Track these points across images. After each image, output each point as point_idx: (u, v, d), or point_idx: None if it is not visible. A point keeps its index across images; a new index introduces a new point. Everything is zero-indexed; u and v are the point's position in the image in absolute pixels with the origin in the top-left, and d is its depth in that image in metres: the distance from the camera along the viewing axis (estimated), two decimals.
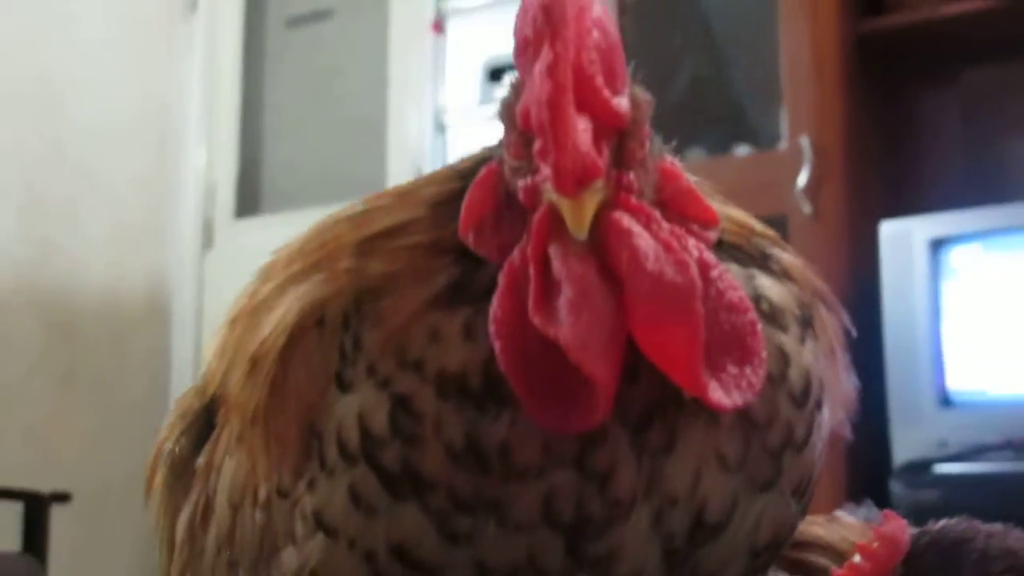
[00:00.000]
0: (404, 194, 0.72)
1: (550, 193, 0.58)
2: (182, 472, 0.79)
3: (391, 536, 0.63)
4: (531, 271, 0.61)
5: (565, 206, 0.58)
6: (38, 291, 3.86)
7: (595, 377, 0.58)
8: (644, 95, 0.64)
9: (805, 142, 2.71)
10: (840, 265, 2.67)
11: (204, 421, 0.77)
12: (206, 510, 0.76)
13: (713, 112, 3.26)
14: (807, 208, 2.69)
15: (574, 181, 0.57)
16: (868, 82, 2.95)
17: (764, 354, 0.62)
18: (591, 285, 0.59)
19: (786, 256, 0.72)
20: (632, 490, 0.62)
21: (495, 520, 0.62)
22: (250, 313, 0.73)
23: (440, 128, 3.88)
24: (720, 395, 0.60)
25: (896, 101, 3.09)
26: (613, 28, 0.63)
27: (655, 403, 0.63)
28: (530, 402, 0.60)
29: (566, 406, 0.60)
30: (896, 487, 2.43)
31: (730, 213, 0.72)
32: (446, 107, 3.88)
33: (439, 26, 3.89)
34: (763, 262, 0.70)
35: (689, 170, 0.67)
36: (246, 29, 4.43)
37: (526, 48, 0.61)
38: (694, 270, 0.60)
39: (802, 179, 2.71)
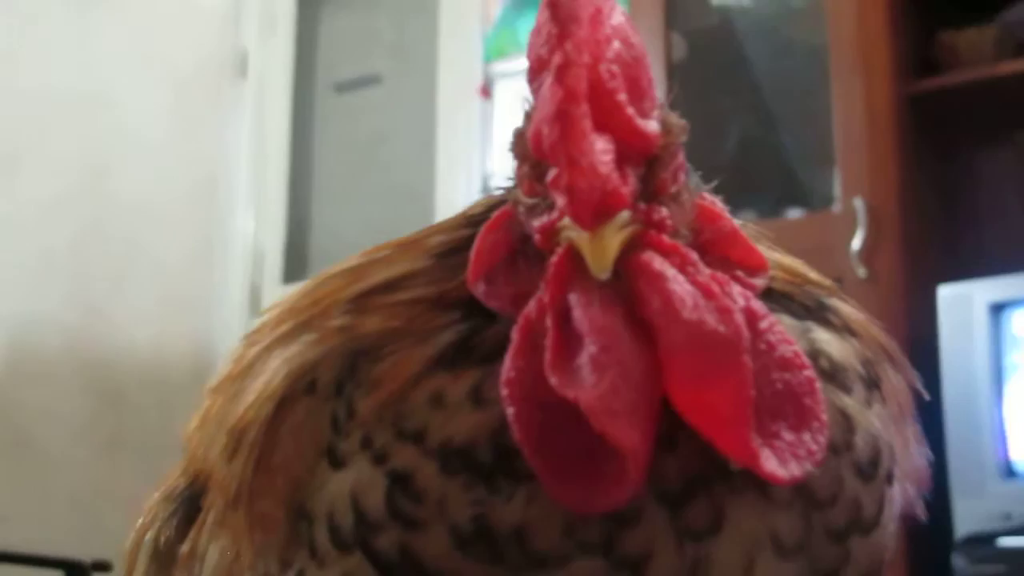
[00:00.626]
0: (407, 244, 0.65)
1: (568, 230, 0.51)
2: (167, 562, 0.69)
3: None
4: (548, 323, 0.53)
5: (584, 241, 0.51)
6: (85, 358, 3.85)
7: (624, 446, 0.50)
8: (677, 119, 0.57)
9: (859, 204, 2.64)
10: (897, 330, 2.57)
11: (190, 503, 0.68)
12: None
13: (764, 174, 3.21)
14: (862, 272, 2.62)
15: (593, 210, 0.50)
16: (923, 143, 2.89)
17: (825, 418, 0.54)
18: (618, 338, 0.51)
19: (847, 308, 0.64)
20: None
21: None
22: (233, 380, 0.65)
23: (488, 193, 3.84)
24: (774, 465, 0.52)
25: (952, 162, 3.03)
26: (638, 40, 0.55)
27: (697, 476, 0.54)
28: (549, 477, 0.52)
29: (591, 481, 0.52)
30: (959, 561, 2.35)
31: (780, 259, 0.64)
32: (494, 172, 3.85)
33: (487, 91, 3.88)
34: (820, 314, 0.62)
35: None
36: (295, 94, 4.45)
37: (539, 70, 0.54)
38: (739, 318, 0.51)
39: (856, 242, 2.64)
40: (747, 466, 0.52)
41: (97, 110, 3.97)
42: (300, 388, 0.60)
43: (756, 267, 0.59)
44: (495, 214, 0.61)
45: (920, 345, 2.58)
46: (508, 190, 0.60)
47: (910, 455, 0.64)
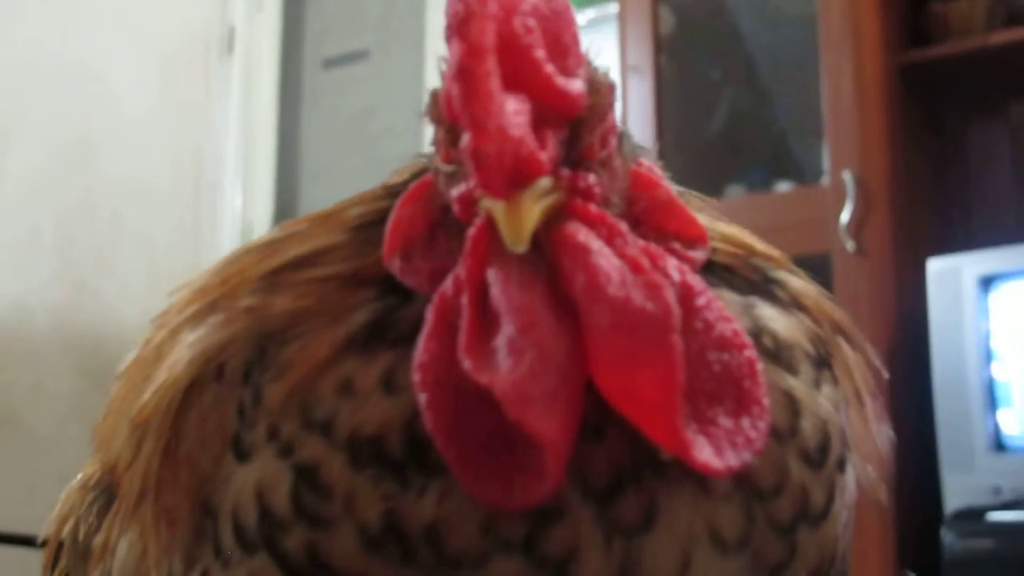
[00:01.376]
0: (324, 217, 0.60)
1: (485, 199, 0.46)
2: (85, 555, 0.65)
3: None
4: (464, 302, 0.48)
5: (499, 212, 0.46)
6: (73, 336, 3.82)
7: (541, 436, 0.45)
8: (605, 78, 0.52)
9: (848, 177, 2.62)
10: (886, 304, 2.57)
11: (108, 492, 0.63)
12: None
13: (753, 147, 3.19)
14: (851, 245, 2.60)
15: (505, 176, 0.45)
16: (913, 115, 2.86)
17: (767, 401, 0.49)
18: (537, 317, 0.46)
19: (796, 281, 0.60)
20: None
21: None
22: (139, 365, 0.61)
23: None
24: (708, 455, 0.47)
25: (943, 134, 3.01)
26: None
27: (627, 467, 0.50)
28: (463, 471, 0.48)
29: (509, 476, 0.47)
30: (948, 536, 2.33)
31: (723, 230, 0.60)
32: None
33: None
34: (766, 289, 0.58)
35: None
36: (282, 69, 4.42)
37: (455, 26, 0.48)
38: (670, 295, 0.47)
39: (845, 215, 2.61)
40: (677, 456, 0.47)
41: (84, 85, 3.93)
42: (208, 374, 0.56)
43: (695, 238, 0.56)
44: (414, 184, 0.56)
45: (910, 318, 2.57)
46: (429, 156, 0.56)
47: (869, 436, 0.61)
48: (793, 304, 0.58)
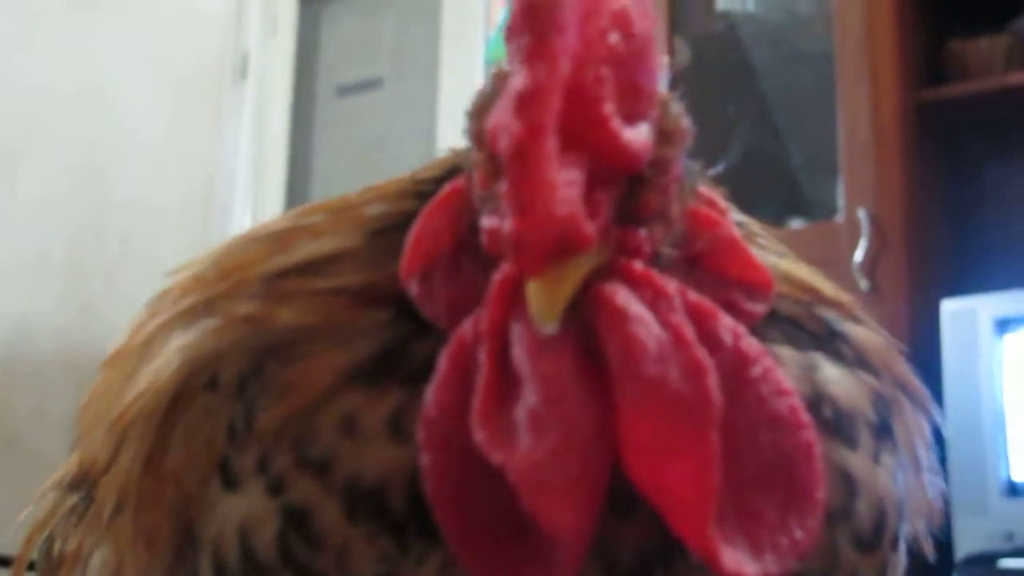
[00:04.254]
0: (342, 210, 0.54)
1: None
2: (57, 563, 0.59)
3: None
4: (483, 356, 0.43)
5: (531, 285, 0.41)
6: (78, 358, 3.79)
7: (558, 529, 0.40)
8: (680, 122, 0.46)
9: (863, 215, 2.59)
10: (900, 343, 2.53)
11: (86, 494, 0.57)
12: None
13: (767, 183, 3.16)
14: (864, 284, 2.56)
15: (542, 256, 0.40)
16: (930, 153, 2.82)
17: (821, 494, 0.44)
18: (565, 389, 0.41)
19: (862, 333, 0.54)
20: None
21: None
22: (127, 356, 0.55)
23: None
24: (741, 560, 0.41)
25: (960, 173, 2.97)
26: (644, 27, 0.44)
27: (656, 550, 0.45)
28: (464, 551, 0.43)
29: (515, 562, 0.42)
30: None
31: (789, 271, 0.54)
32: None
33: None
34: (830, 344, 0.52)
35: None
36: (295, 97, 4.40)
37: (516, 31, 0.42)
38: (712, 379, 0.42)
39: (859, 253, 2.58)
40: (704, 560, 0.42)
41: (95, 110, 3.92)
42: (198, 383, 0.50)
43: (757, 286, 0.50)
44: (445, 188, 0.50)
45: (923, 359, 2.53)
46: (466, 155, 0.50)
47: (923, 492, 0.56)
48: (857, 361, 0.53)
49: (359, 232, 0.52)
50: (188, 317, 0.53)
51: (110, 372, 0.56)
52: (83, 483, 0.57)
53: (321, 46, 4.48)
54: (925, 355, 2.51)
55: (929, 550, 0.57)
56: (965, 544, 2.38)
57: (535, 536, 0.42)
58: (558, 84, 0.41)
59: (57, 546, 0.59)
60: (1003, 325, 2.46)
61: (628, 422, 0.41)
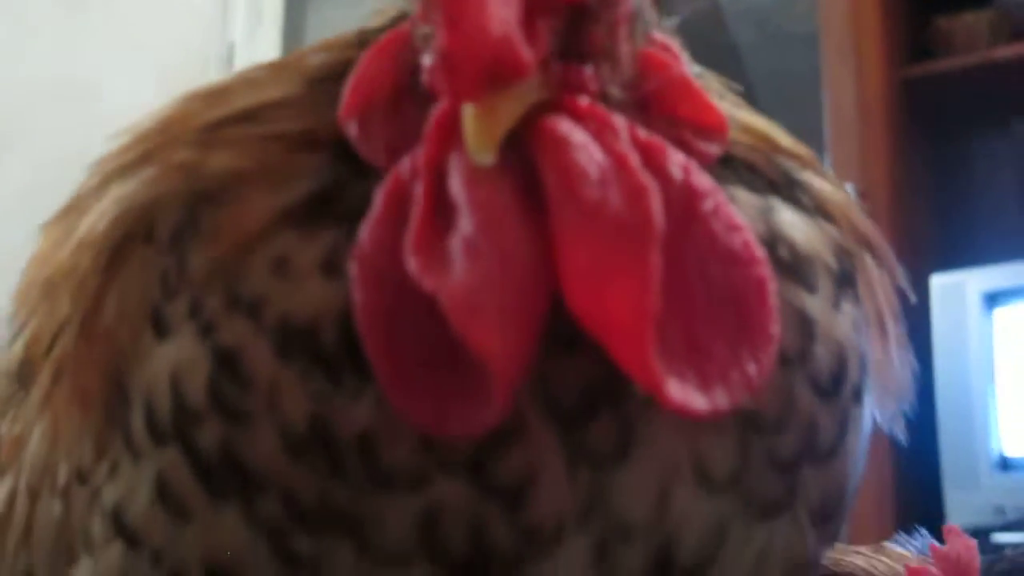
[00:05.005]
0: (285, 65, 0.52)
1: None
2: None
3: (208, 551, 0.44)
4: (419, 190, 0.41)
5: (467, 115, 0.39)
6: None
7: (489, 355, 0.38)
8: None
9: (849, 189, 2.57)
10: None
11: (26, 373, 0.54)
12: (14, 500, 0.54)
13: None
14: None
15: (475, 76, 0.38)
16: (916, 129, 2.82)
17: (775, 328, 0.42)
18: (501, 216, 0.40)
19: (823, 184, 0.52)
20: (559, 513, 0.43)
21: (351, 544, 0.43)
22: (64, 216, 0.53)
23: None
24: (687, 392, 0.40)
25: (946, 148, 2.96)
26: None
27: (602, 386, 0.43)
28: (392, 385, 0.41)
29: (447, 396, 0.41)
30: None
31: (746, 120, 0.52)
32: None
33: None
34: (788, 190, 0.50)
35: None
36: None
37: None
38: (655, 201, 0.40)
39: None
40: (649, 391, 0.40)
41: (82, 100, 3.89)
42: (134, 235, 0.48)
43: (711, 127, 0.47)
44: (386, 34, 0.48)
45: (912, 334, 2.52)
46: (411, 3, 0.47)
47: (890, 363, 0.54)
48: (817, 210, 0.50)
49: (300, 81, 0.50)
50: (126, 170, 0.51)
51: (49, 233, 0.55)
52: (27, 369, 0.54)
53: (307, 35, 4.45)
54: (914, 330, 2.49)
55: (902, 434, 0.55)
56: (957, 518, 2.37)
57: (468, 371, 0.40)
58: None
59: (2, 432, 0.57)
60: (992, 299, 2.46)
61: (565, 248, 0.40)
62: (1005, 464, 2.40)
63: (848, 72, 2.69)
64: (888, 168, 2.66)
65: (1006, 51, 2.69)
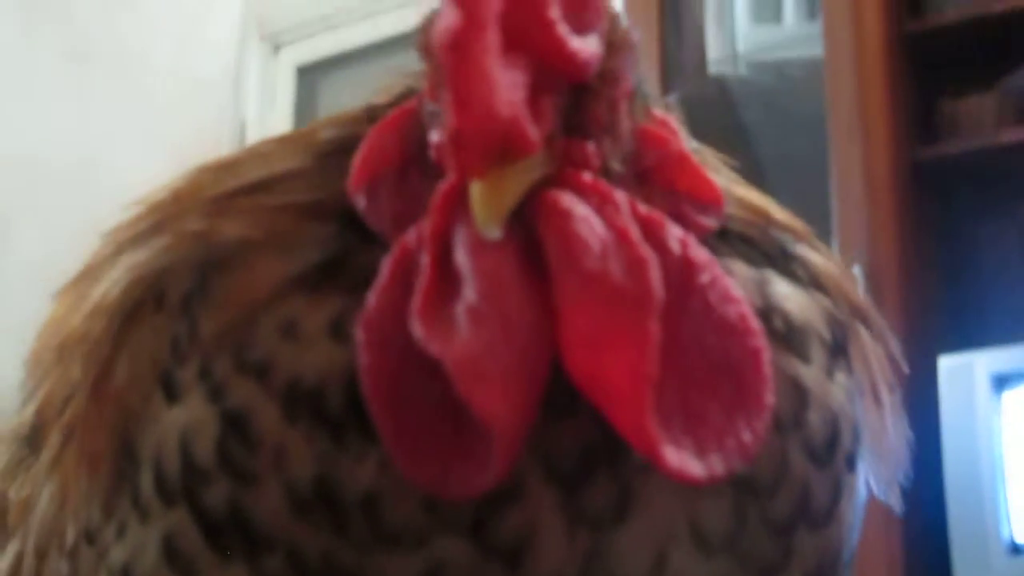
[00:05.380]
0: (295, 139, 0.54)
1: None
2: (3, 514, 0.58)
3: None
4: (425, 258, 0.43)
5: (475, 190, 0.41)
6: None
7: (491, 420, 0.40)
8: (626, 38, 0.47)
9: (858, 271, 2.58)
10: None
11: (37, 437, 0.56)
12: (21, 563, 0.55)
13: None
14: None
15: (483, 154, 0.40)
16: (924, 211, 2.83)
17: (769, 397, 0.44)
18: (504, 285, 0.41)
19: (816, 257, 0.54)
20: (558, 573, 0.44)
21: None
22: (77, 284, 0.55)
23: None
24: (684, 459, 0.41)
25: (954, 229, 2.97)
26: None
27: (600, 449, 0.44)
28: (397, 447, 0.43)
29: (449, 459, 0.42)
30: None
31: (742, 195, 0.53)
32: None
33: None
34: (783, 263, 0.52)
35: None
36: None
37: None
38: (655, 273, 0.42)
39: None
40: (648, 457, 0.42)
41: (93, 177, 3.92)
42: (146, 302, 0.50)
43: (708, 201, 0.49)
44: (394, 110, 0.50)
45: (921, 416, 2.51)
46: (417, 77, 0.50)
47: (885, 433, 0.55)
48: (812, 282, 0.52)
49: (309, 155, 0.52)
50: (139, 239, 0.52)
51: (62, 300, 0.56)
52: (38, 433, 0.56)
53: (319, 113, 4.49)
54: (923, 412, 2.49)
55: (897, 499, 0.55)
56: None
57: (470, 434, 0.41)
58: None
59: (11, 496, 0.58)
60: (1001, 381, 2.44)
61: (566, 315, 0.41)
62: (1016, 549, 2.37)
63: (856, 154, 2.70)
64: (896, 250, 2.66)
65: (1012, 134, 2.71)
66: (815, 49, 2.89)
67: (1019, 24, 2.74)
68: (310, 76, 4.47)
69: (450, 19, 0.41)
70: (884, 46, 2.77)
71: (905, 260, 2.68)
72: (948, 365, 2.50)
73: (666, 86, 3.02)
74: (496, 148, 0.40)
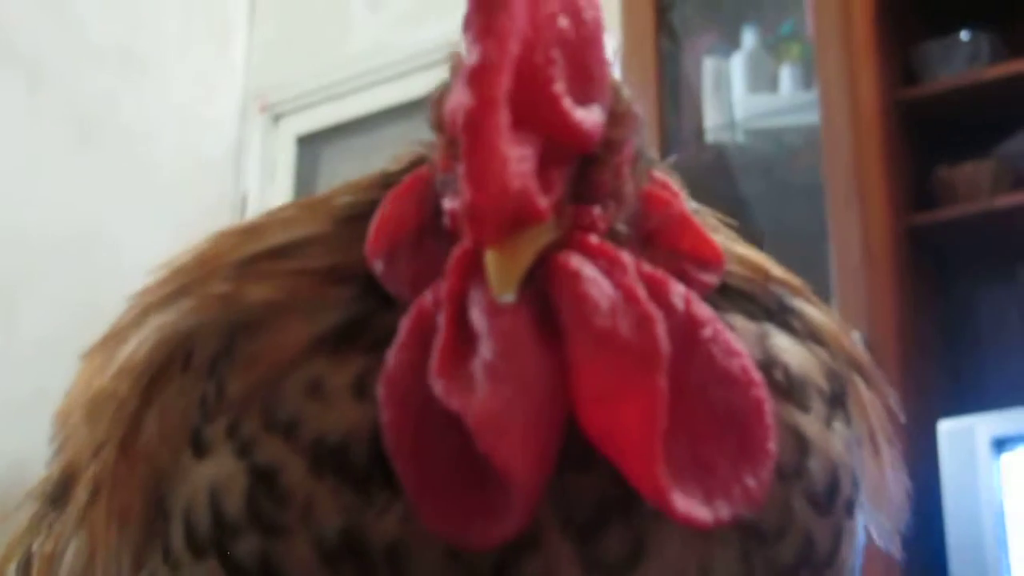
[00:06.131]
0: (313, 204, 0.56)
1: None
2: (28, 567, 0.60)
3: None
4: (443, 319, 0.45)
5: (489, 256, 0.43)
6: None
7: (512, 473, 0.42)
8: (630, 108, 0.49)
9: (857, 338, 2.58)
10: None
11: (61, 496, 0.57)
12: None
13: None
14: None
15: (497, 227, 0.42)
16: (922, 276, 2.84)
17: (772, 446, 0.46)
18: (520, 344, 0.44)
19: (813, 311, 0.56)
20: None
21: None
22: (104, 345, 0.57)
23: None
24: (692, 505, 0.43)
25: (952, 294, 2.98)
26: (593, 14, 0.47)
27: (614, 501, 0.46)
28: (420, 500, 0.45)
29: (470, 511, 0.44)
30: None
31: (740, 252, 0.56)
32: None
33: None
34: (782, 317, 0.54)
35: None
36: None
37: (469, 16, 0.44)
38: (661, 329, 0.44)
39: None
40: (657, 504, 0.44)
41: (95, 251, 3.94)
42: (174, 362, 0.52)
43: (709, 260, 0.52)
44: (408, 177, 0.53)
45: (923, 481, 2.51)
46: (429, 146, 0.52)
47: (884, 483, 0.57)
48: (809, 336, 0.55)
49: (328, 220, 0.54)
50: (165, 301, 0.55)
51: (90, 361, 0.58)
52: (62, 489, 0.57)
53: (319, 188, 4.51)
54: (924, 476, 2.49)
55: (898, 548, 0.57)
56: None
57: (491, 488, 0.43)
58: (508, 58, 0.43)
59: (35, 550, 0.59)
60: (1000, 444, 2.44)
61: (579, 372, 0.44)
62: None
63: (853, 220, 2.72)
64: (895, 315, 2.67)
65: (1008, 200, 2.73)
66: (811, 117, 2.91)
67: (1014, 91, 2.77)
68: (311, 146, 4.50)
69: (463, 99, 0.43)
70: (880, 114, 2.80)
71: (904, 325, 2.69)
72: (948, 429, 2.51)
73: (664, 154, 3.05)
74: (508, 220, 0.42)
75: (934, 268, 2.93)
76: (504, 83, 0.43)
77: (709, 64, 3.23)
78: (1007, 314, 2.95)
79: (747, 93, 3.16)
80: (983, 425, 2.48)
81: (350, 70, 4.22)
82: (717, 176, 3.27)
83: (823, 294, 2.55)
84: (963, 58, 2.85)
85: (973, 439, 2.46)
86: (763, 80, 3.18)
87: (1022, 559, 2.40)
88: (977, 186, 2.79)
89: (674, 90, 3.27)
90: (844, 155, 2.77)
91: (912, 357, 2.70)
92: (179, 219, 4.22)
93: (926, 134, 2.91)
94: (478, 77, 0.43)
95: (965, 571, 2.39)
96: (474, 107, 0.43)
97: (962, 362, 2.94)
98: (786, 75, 3.14)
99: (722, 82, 3.21)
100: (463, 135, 0.43)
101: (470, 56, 0.43)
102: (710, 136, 3.24)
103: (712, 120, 3.21)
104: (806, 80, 3.08)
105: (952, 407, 2.64)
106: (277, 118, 4.47)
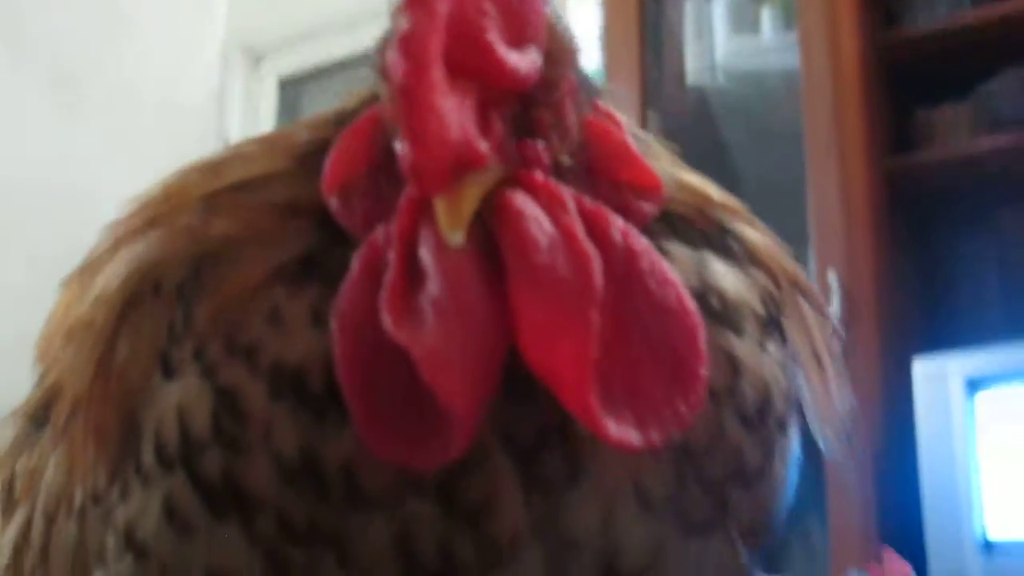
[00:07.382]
0: (274, 140, 0.59)
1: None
2: (12, 485, 0.64)
3: (210, 564, 0.51)
4: (392, 256, 0.47)
5: (439, 205, 0.45)
6: None
7: (452, 403, 0.45)
8: (568, 45, 0.51)
9: (833, 278, 2.61)
10: (873, 405, 2.54)
11: (44, 416, 0.61)
12: (30, 527, 0.61)
13: None
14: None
15: (440, 178, 0.44)
16: (900, 218, 2.86)
17: (704, 371, 0.49)
18: (465, 281, 0.46)
19: (752, 233, 0.58)
20: (515, 530, 0.49)
21: (335, 557, 0.49)
22: (80, 275, 0.60)
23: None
24: (625, 430, 0.46)
25: (929, 237, 3.00)
26: None
27: (554, 424, 0.49)
28: (367, 428, 0.47)
29: (413, 437, 0.47)
30: None
31: (681, 178, 0.58)
32: None
33: None
34: (721, 242, 0.56)
35: None
36: None
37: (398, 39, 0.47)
38: (595, 266, 0.47)
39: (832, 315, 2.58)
40: (591, 430, 0.47)
41: (77, 203, 3.93)
42: (144, 289, 0.55)
43: (648, 188, 0.54)
44: (363, 115, 0.55)
45: (897, 419, 2.53)
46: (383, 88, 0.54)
47: (827, 397, 0.59)
48: (747, 259, 0.57)
49: (287, 156, 0.57)
50: (135, 234, 0.58)
51: (66, 291, 0.61)
52: (45, 411, 0.61)
53: None
54: (898, 415, 2.51)
55: (843, 454, 0.59)
56: None
57: (434, 416, 0.46)
58: (437, 23, 0.45)
59: (18, 468, 0.63)
60: (974, 384, 2.46)
61: (520, 308, 0.46)
62: (989, 548, 2.39)
63: (832, 163, 2.73)
64: (872, 258, 2.69)
65: (986, 142, 2.74)
66: (792, 59, 2.91)
67: (992, 34, 2.77)
68: (293, 88, 4.49)
69: (397, 64, 0.45)
70: (860, 56, 2.80)
71: (881, 267, 2.71)
72: (922, 368, 2.53)
73: (646, 100, 3.05)
74: (451, 169, 0.45)
75: (912, 209, 2.94)
76: (435, 46, 0.45)
77: (691, 7, 3.23)
78: (982, 255, 2.96)
79: (728, 34, 3.16)
80: (957, 364, 2.49)
81: (331, 9, 4.20)
82: (698, 121, 3.27)
83: (802, 239, 2.58)
84: (945, 1, 2.85)
85: (947, 378, 2.48)
86: (744, 23, 3.17)
87: (993, 494, 2.43)
88: (956, 128, 2.80)
89: (656, 34, 3.26)
90: (824, 97, 2.78)
91: (889, 298, 2.72)
92: (159, 169, 4.20)
93: (906, 77, 2.92)
94: (409, 44, 0.45)
95: (938, 507, 2.41)
96: (407, 72, 0.45)
97: (938, 301, 2.96)
98: (767, 17, 3.13)
99: (704, 25, 3.21)
100: (399, 98, 0.45)
101: (401, 23, 0.45)
102: (691, 79, 3.24)
103: (693, 64, 3.21)
104: (787, 22, 3.08)
105: (928, 346, 2.65)
106: (259, 60, 4.46)
